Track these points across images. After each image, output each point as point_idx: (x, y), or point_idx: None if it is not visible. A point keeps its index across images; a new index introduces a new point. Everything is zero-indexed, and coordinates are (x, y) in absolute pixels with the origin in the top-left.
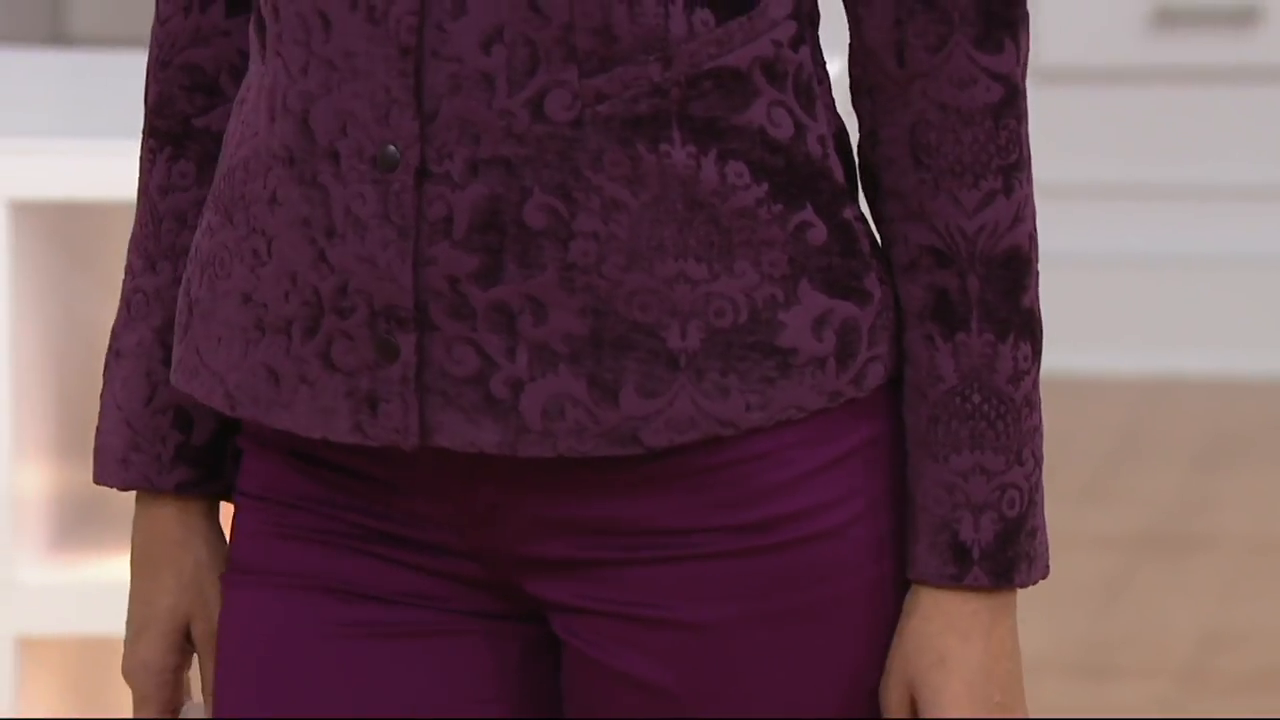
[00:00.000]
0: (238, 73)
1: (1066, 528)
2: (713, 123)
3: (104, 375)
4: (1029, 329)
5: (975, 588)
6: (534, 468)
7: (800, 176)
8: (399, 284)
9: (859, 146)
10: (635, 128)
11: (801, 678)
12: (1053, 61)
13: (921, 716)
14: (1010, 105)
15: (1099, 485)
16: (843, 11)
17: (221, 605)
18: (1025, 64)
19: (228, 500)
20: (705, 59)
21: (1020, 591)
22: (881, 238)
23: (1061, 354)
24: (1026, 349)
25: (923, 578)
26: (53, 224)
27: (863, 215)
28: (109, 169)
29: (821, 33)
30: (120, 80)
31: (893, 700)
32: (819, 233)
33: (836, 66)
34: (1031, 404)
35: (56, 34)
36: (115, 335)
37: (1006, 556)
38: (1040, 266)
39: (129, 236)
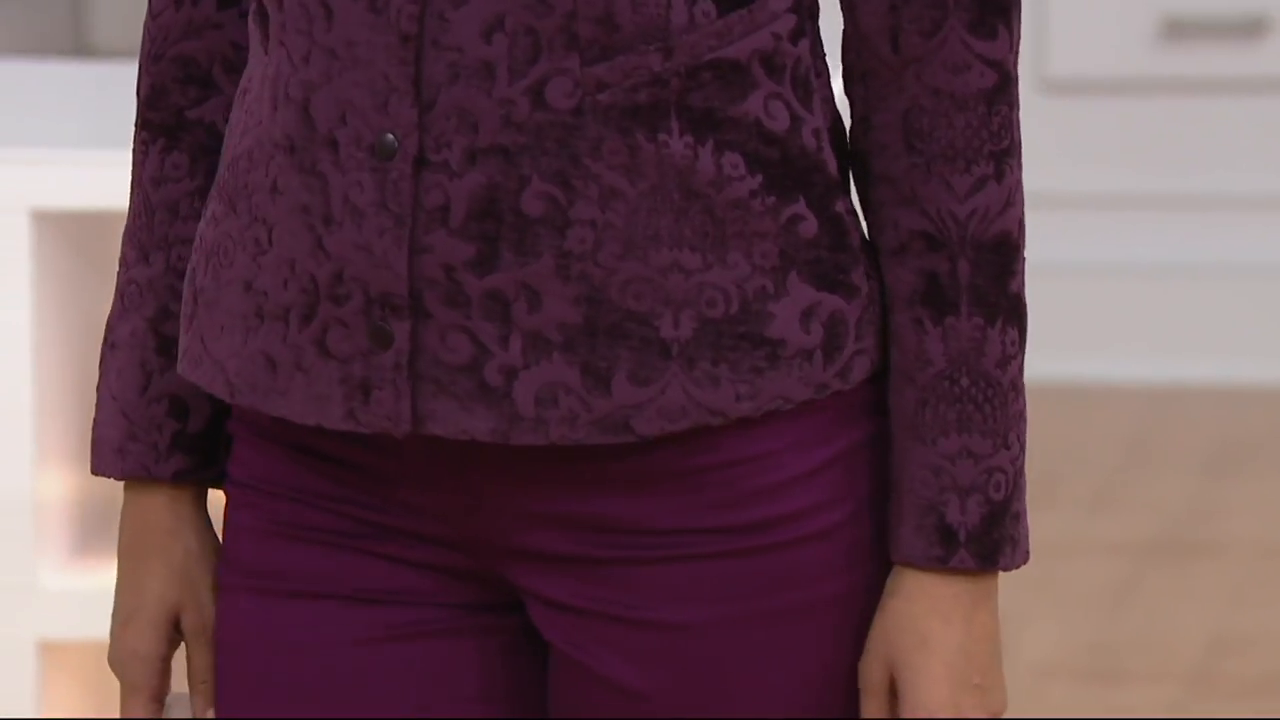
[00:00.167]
0: (230, 65)
1: (1076, 534)
2: (710, 113)
3: (99, 368)
4: (1016, 314)
5: (960, 570)
6: (526, 458)
7: (795, 169)
8: (394, 271)
9: (851, 133)
10: (634, 117)
11: (782, 679)
12: (1062, 72)
13: (901, 697)
14: (1003, 91)
15: (1108, 492)
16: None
17: (218, 607)
18: (1017, 51)
19: (221, 487)
20: (705, 50)
21: (1030, 597)
22: (870, 224)
23: (1071, 362)
24: (1014, 334)
25: (908, 560)
26: (74, 233)
27: (853, 209)
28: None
29: (822, 26)
30: None
31: (873, 679)
32: (810, 225)
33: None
34: (1017, 389)
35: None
36: (110, 328)
37: (992, 539)
38: (1050, 275)
39: None
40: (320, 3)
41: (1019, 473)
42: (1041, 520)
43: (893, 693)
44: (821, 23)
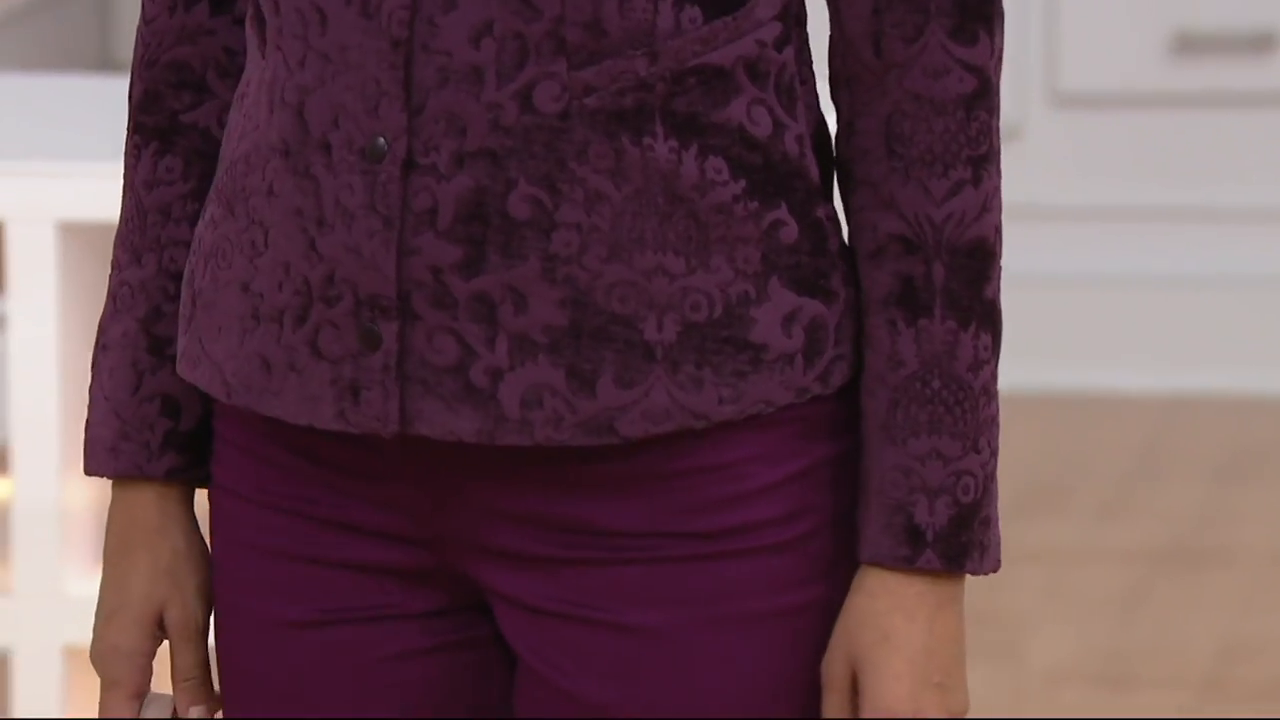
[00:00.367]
0: (224, 70)
1: (1087, 541)
2: (694, 118)
3: (91, 370)
4: (990, 320)
5: (927, 571)
6: (508, 458)
7: (777, 175)
8: (383, 273)
9: (836, 138)
10: (620, 121)
11: (741, 687)
12: (1075, 87)
13: (862, 693)
14: (982, 97)
15: (1119, 500)
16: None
17: (219, 627)
18: (999, 59)
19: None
20: (690, 56)
21: (1042, 603)
22: (850, 228)
23: (1083, 372)
24: (987, 339)
25: (874, 559)
26: (99, 245)
27: (834, 215)
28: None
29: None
30: None
31: (834, 675)
32: (790, 231)
33: None
34: (990, 394)
35: (104, 59)
36: (101, 329)
37: (960, 541)
38: (1062, 286)
39: None
40: (315, 8)
41: (989, 478)
42: (1053, 528)
43: (855, 692)
44: (809, 30)
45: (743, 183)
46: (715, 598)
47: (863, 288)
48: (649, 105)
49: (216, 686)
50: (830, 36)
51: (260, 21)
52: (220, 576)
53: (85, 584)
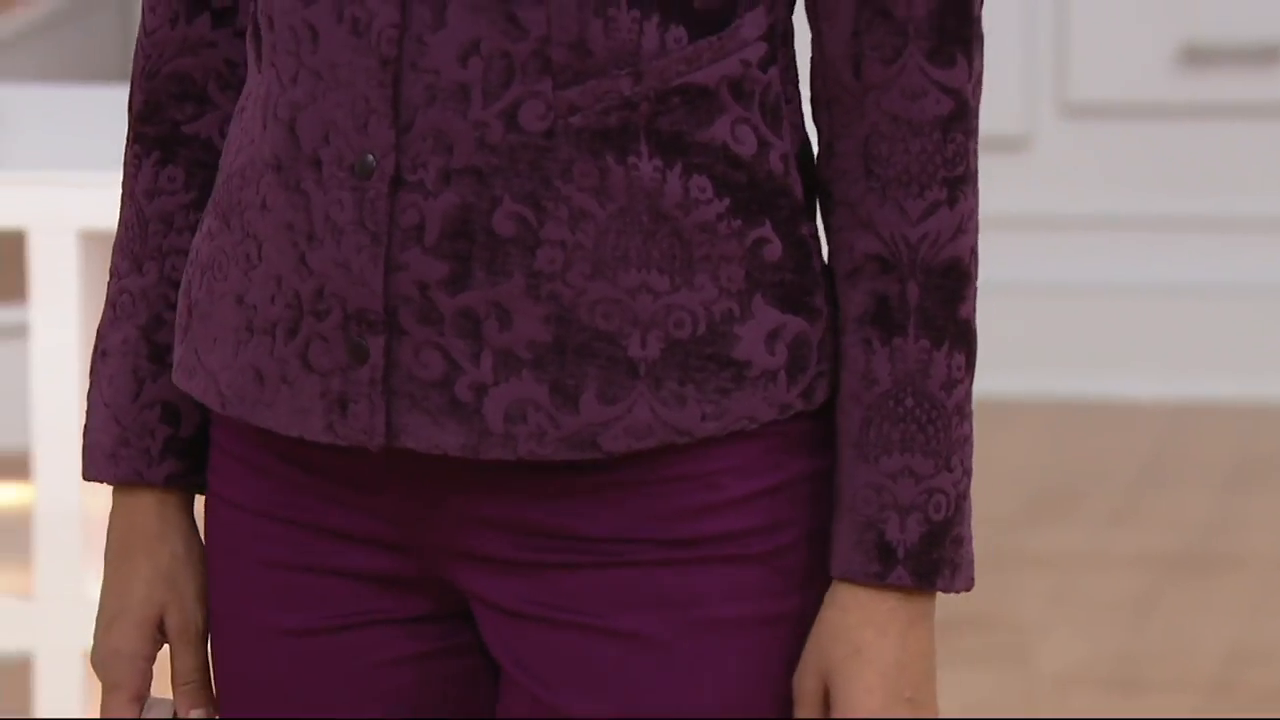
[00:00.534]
0: (225, 81)
1: (1097, 547)
2: (679, 137)
3: (90, 377)
4: (964, 340)
5: (897, 587)
6: (490, 470)
7: (761, 193)
8: (370, 288)
9: (816, 160)
10: (605, 139)
11: (713, 695)
12: (1084, 97)
13: (834, 705)
14: (959, 120)
15: (1129, 507)
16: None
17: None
18: (978, 82)
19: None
20: (674, 75)
21: (1053, 608)
22: (829, 248)
23: (1092, 380)
24: (960, 359)
25: (846, 574)
26: None
27: (818, 233)
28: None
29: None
30: None
31: (806, 689)
32: (774, 249)
33: None
34: (963, 414)
35: (126, 71)
36: (101, 336)
37: (931, 559)
38: (1071, 295)
39: None
40: (307, 25)
41: (961, 497)
42: (1063, 533)
43: (826, 706)
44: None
45: (727, 201)
46: (690, 603)
47: (840, 306)
48: (633, 124)
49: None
50: (811, 58)
51: (257, 38)
52: (215, 583)
53: None
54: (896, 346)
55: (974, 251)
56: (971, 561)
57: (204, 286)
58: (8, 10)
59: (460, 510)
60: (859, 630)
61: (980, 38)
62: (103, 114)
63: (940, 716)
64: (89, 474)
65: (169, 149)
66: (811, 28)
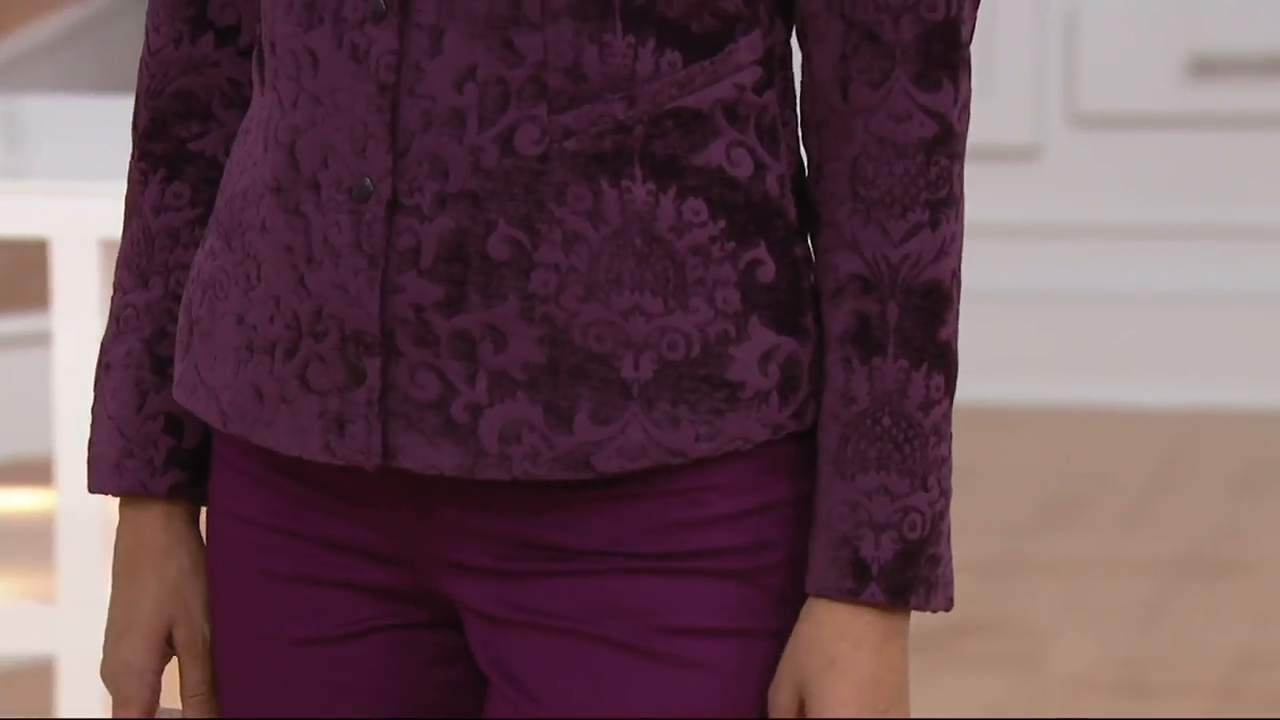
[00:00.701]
0: (229, 100)
1: (1107, 553)
2: (673, 161)
3: (94, 390)
4: (944, 362)
5: (871, 604)
6: (483, 487)
7: (757, 215)
8: (367, 310)
9: (806, 183)
10: (599, 163)
11: (692, 701)
12: (1094, 108)
13: (809, 717)
14: (943, 143)
15: (1139, 512)
16: None
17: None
18: (964, 107)
19: None
20: (667, 99)
21: (1063, 613)
22: (816, 269)
23: (1102, 386)
24: (939, 380)
25: (821, 590)
26: None
27: (809, 254)
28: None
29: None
30: None
31: (781, 703)
32: (768, 270)
33: None
34: (941, 435)
35: None
36: (104, 349)
37: (905, 577)
38: (1082, 303)
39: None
40: (308, 50)
41: (939, 517)
42: (1074, 539)
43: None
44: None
45: (722, 223)
46: (673, 612)
47: (824, 326)
48: (628, 148)
49: None
50: (801, 82)
51: (260, 61)
52: (217, 594)
53: None
54: (875, 366)
55: (956, 275)
56: (950, 581)
57: (205, 305)
58: (30, 22)
59: (451, 523)
60: (834, 643)
61: (968, 63)
62: (124, 125)
63: None
64: (94, 486)
65: (175, 166)
66: (802, 52)
